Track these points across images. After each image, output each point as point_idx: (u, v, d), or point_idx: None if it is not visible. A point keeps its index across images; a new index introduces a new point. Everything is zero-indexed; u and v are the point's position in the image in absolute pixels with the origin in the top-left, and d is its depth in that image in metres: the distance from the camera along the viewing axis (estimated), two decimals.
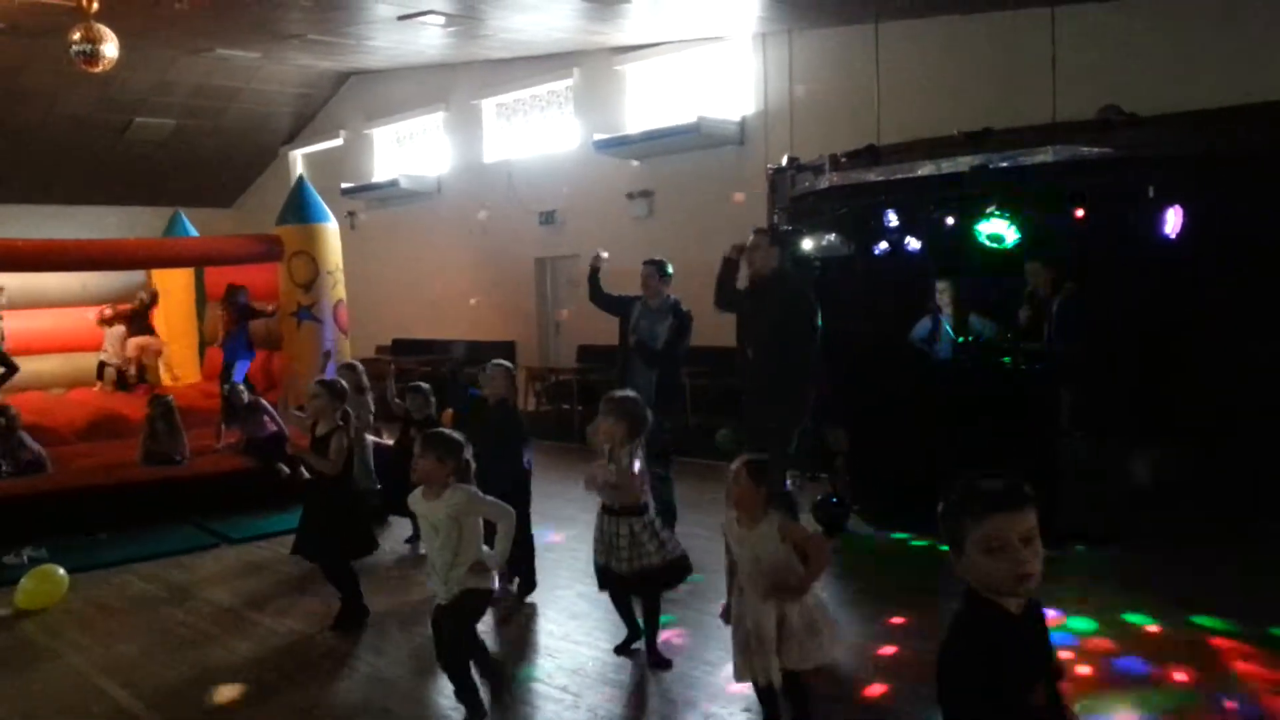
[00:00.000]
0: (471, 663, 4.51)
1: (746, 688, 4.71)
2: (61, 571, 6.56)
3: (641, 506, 4.89)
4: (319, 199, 10.97)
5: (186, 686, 5.09)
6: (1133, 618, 5.48)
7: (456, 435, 4.50)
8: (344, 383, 6.26)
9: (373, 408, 8.26)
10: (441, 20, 11.97)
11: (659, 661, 5.02)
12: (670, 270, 7.26)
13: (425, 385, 7.35)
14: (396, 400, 7.68)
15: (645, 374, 7.07)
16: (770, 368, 6.70)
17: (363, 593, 5.94)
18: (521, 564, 6.15)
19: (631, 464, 4.84)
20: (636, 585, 4.99)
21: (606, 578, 5.04)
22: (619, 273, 7.80)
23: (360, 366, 8.58)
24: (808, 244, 8.30)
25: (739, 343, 7.15)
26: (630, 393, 5.09)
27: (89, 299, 12.22)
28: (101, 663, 5.45)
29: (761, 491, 3.99)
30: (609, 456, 4.86)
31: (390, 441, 8.16)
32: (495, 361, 6.53)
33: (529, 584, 6.27)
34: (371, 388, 8.24)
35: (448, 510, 4.30)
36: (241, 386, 9.45)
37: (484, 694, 4.53)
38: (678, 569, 4.99)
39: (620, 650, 5.20)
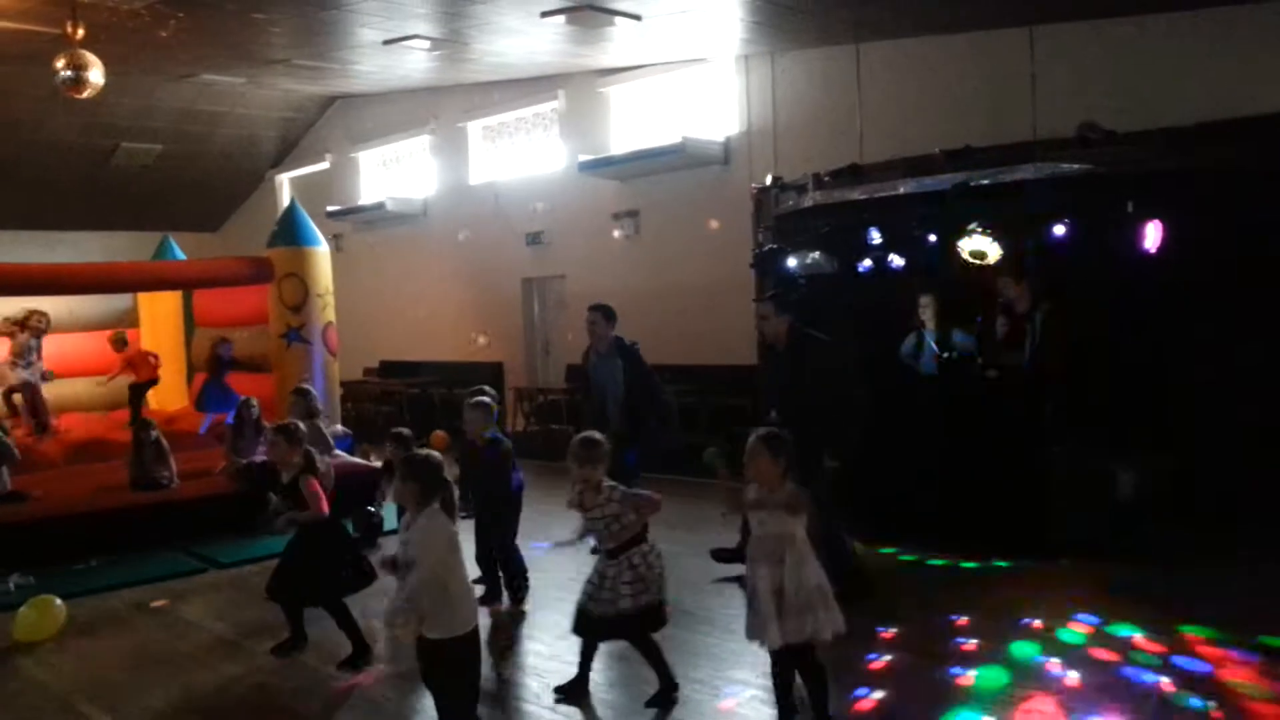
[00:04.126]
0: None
1: (735, 704, 4.75)
2: (59, 603, 6.49)
3: (637, 539, 4.83)
4: (310, 222, 11.01)
5: (173, 712, 5.07)
6: (1120, 628, 5.51)
7: (431, 455, 4.23)
8: (301, 426, 6.04)
9: (326, 432, 8.24)
10: (427, 44, 12.02)
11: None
12: (614, 314, 7.41)
13: (407, 432, 7.20)
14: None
15: (618, 406, 7.27)
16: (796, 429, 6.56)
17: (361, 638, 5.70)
18: (513, 578, 6.43)
19: (609, 500, 4.76)
20: (615, 629, 4.84)
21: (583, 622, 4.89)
22: (607, 293, 7.88)
23: (313, 392, 8.60)
24: (792, 262, 8.37)
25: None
26: (591, 434, 4.96)
27: (76, 325, 12.18)
28: (86, 688, 5.42)
29: (780, 462, 4.25)
30: (582, 503, 4.81)
31: (379, 464, 8.15)
32: (471, 401, 6.50)
33: (514, 596, 6.48)
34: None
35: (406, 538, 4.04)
36: (255, 403, 9.32)
37: None
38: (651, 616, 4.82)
39: (562, 691, 5.00)
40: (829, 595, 4.21)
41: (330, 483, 7.46)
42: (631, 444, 7.13)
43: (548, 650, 5.67)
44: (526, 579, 6.61)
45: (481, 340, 8.56)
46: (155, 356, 11.90)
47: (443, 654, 3.94)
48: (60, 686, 5.48)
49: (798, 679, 4.37)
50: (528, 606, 6.47)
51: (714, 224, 11.91)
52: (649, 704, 4.79)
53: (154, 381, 11.84)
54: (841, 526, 6.44)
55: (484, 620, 5.60)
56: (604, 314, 7.36)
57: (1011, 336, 7.71)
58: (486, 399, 6.56)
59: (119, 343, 11.79)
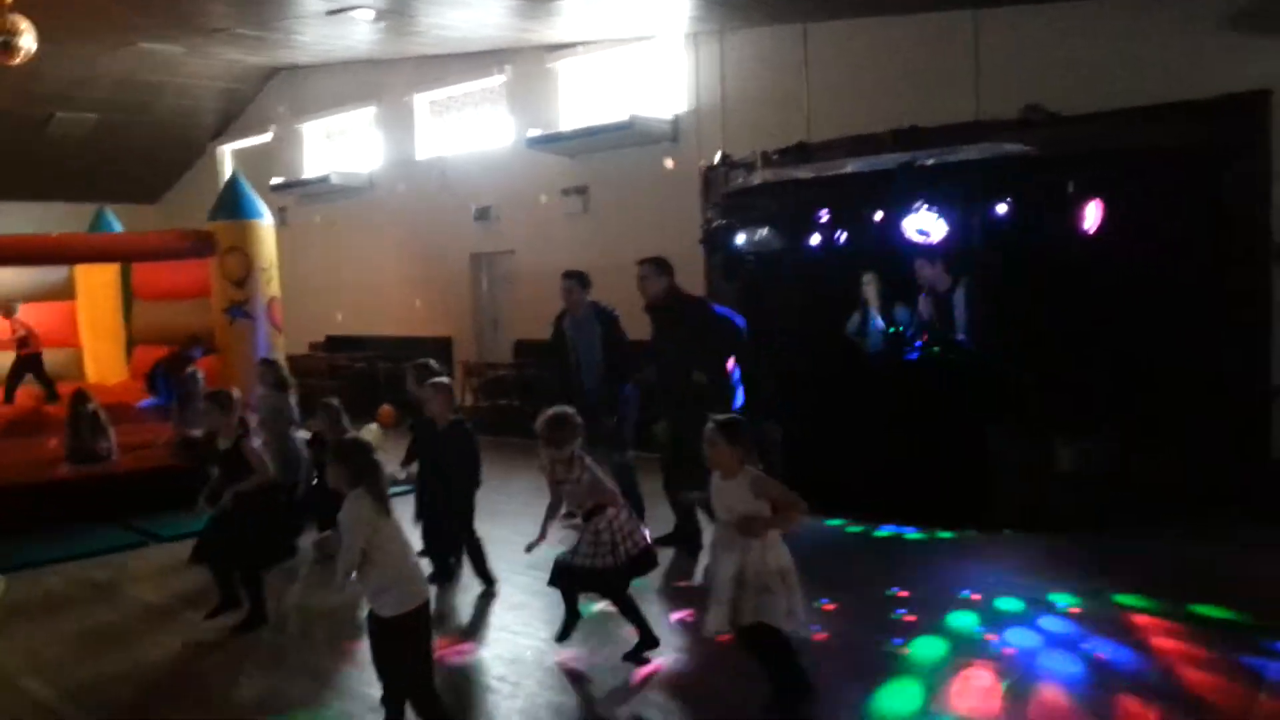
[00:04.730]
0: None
1: (684, 671, 4.81)
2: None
3: (599, 508, 4.92)
4: (253, 195, 10.81)
5: (113, 684, 5.02)
6: (1058, 598, 5.66)
7: (361, 439, 4.29)
8: (234, 393, 5.90)
9: (294, 403, 8.11)
10: (371, 15, 11.85)
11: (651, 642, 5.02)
12: (589, 280, 7.40)
13: (335, 401, 7.10)
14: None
15: (596, 374, 7.26)
16: (681, 386, 6.70)
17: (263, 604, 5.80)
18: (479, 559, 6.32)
19: (581, 475, 4.89)
20: (588, 581, 5.00)
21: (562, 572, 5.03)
22: (556, 269, 7.83)
23: (278, 362, 8.45)
24: (740, 239, 8.42)
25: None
26: (560, 412, 5.00)
27: (9, 295, 11.88)
28: (25, 662, 5.35)
29: (735, 450, 4.18)
30: (553, 472, 4.94)
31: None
32: (432, 381, 6.37)
33: (447, 573, 6.39)
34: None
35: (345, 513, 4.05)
36: (201, 375, 9.14)
37: None
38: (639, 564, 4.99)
39: (561, 638, 5.14)
40: (792, 582, 4.14)
41: (299, 458, 7.45)
42: (612, 412, 7.17)
43: (497, 621, 5.70)
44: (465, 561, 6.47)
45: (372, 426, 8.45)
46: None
47: (389, 631, 3.96)
48: (0, 662, 5.39)
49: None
50: (471, 588, 6.34)
51: (669, 162, 11.97)
52: (626, 658, 4.95)
53: (37, 356, 11.57)
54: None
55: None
56: (579, 281, 7.36)
57: (937, 315, 7.84)
58: (448, 380, 6.53)
59: (6, 311, 11.52)
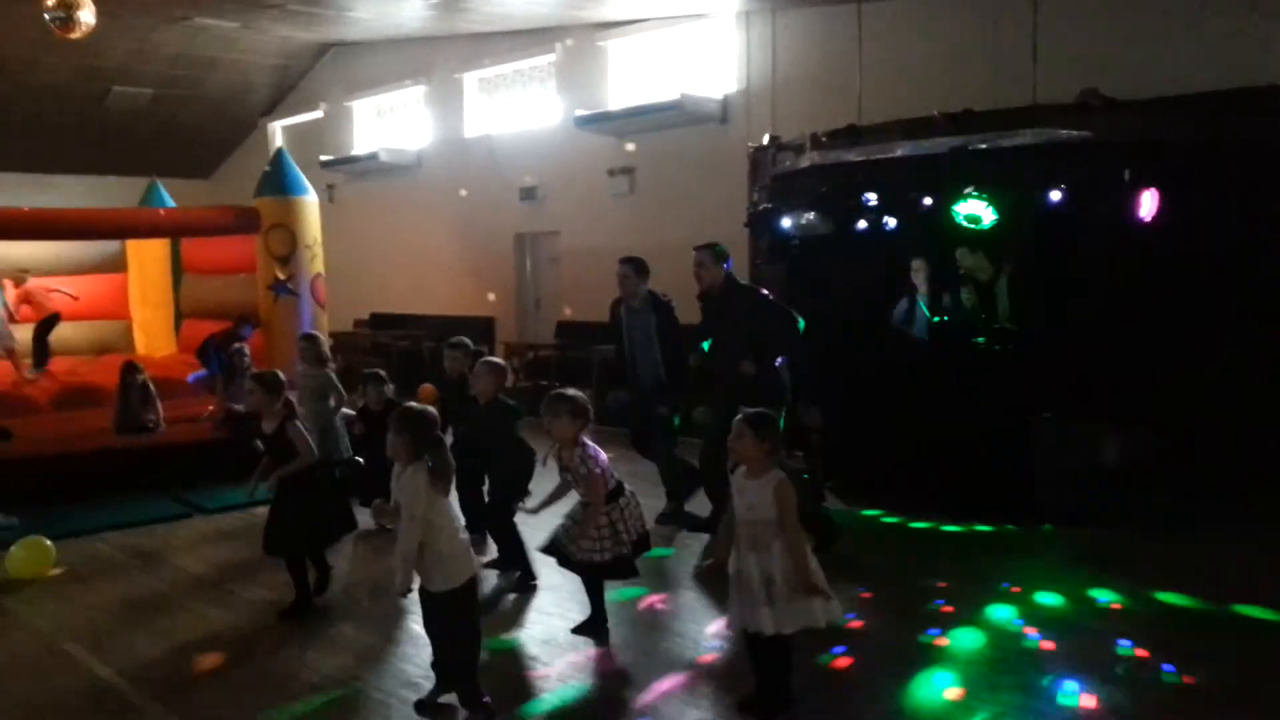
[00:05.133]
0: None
1: (713, 657, 4.78)
2: (49, 543, 6.51)
3: (613, 493, 4.90)
4: (298, 171, 10.87)
5: (157, 653, 5.09)
6: (1099, 593, 5.55)
7: (427, 409, 4.29)
8: (280, 375, 5.88)
9: (335, 379, 8.15)
10: None
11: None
12: (647, 267, 7.24)
13: (382, 373, 7.12)
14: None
15: (650, 362, 7.16)
16: (731, 376, 6.56)
17: (329, 570, 5.88)
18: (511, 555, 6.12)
19: (584, 461, 4.81)
20: (583, 571, 5.01)
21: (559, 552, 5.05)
22: (602, 250, 7.81)
23: (320, 337, 8.46)
24: (787, 222, 8.32)
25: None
26: (562, 390, 4.99)
27: (62, 269, 12.09)
28: (71, 630, 5.43)
29: (763, 445, 4.04)
30: (559, 457, 4.90)
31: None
32: (486, 359, 6.36)
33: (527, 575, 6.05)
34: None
35: (397, 489, 4.12)
36: (247, 351, 9.23)
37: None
38: (622, 567, 4.98)
39: (580, 630, 5.11)
40: (819, 581, 4.02)
41: (337, 428, 7.50)
42: (668, 403, 7.10)
43: (531, 602, 5.70)
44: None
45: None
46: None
47: (439, 605, 4.06)
48: (46, 627, 5.50)
49: None
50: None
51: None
52: (576, 630, 5.05)
53: (46, 321, 11.52)
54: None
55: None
56: (635, 268, 7.16)
57: (980, 305, 7.70)
58: (501, 361, 6.52)
59: (17, 281, 11.52)
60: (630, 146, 13.24)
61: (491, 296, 15.64)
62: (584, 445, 4.85)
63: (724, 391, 6.64)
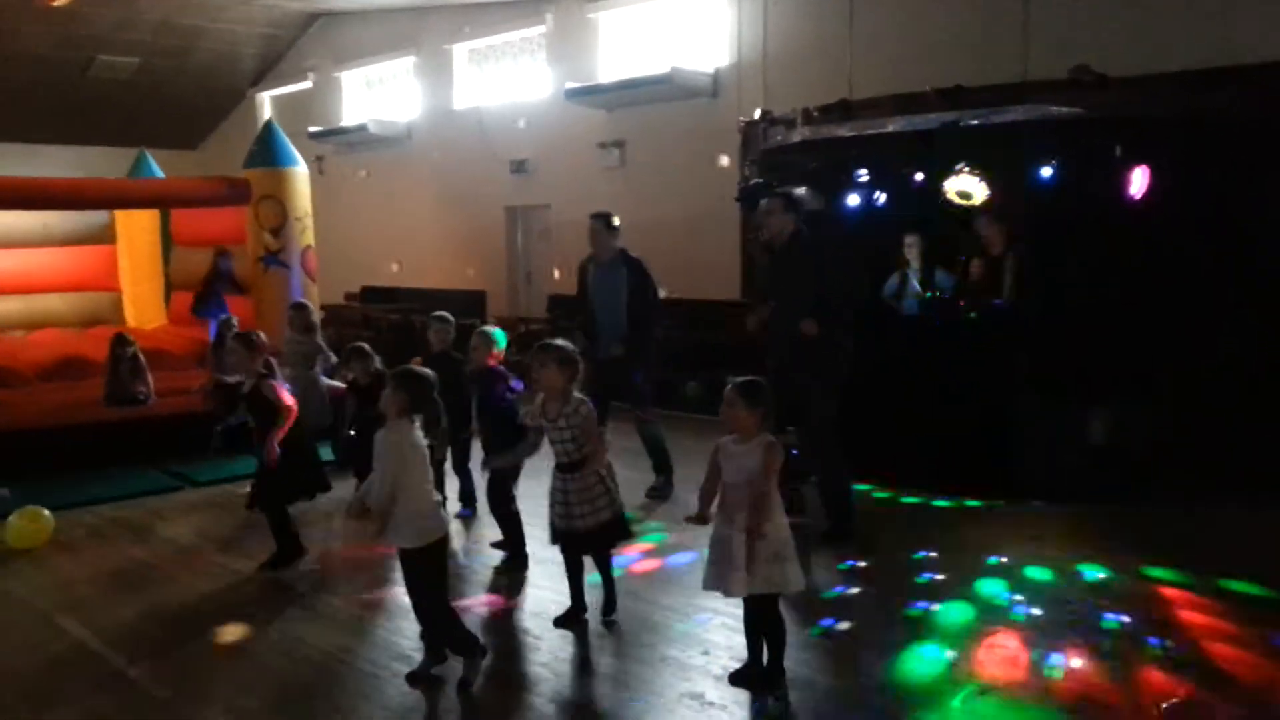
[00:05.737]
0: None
1: (705, 630, 4.82)
2: (47, 513, 6.52)
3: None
4: (288, 142, 10.80)
5: (146, 625, 5.10)
6: (1087, 568, 5.60)
7: (427, 372, 4.38)
8: (261, 335, 5.90)
9: (324, 346, 8.22)
10: None
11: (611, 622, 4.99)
12: (616, 223, 7.17)
13: (367, 347, 7.12)
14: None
15: (613, 323, 7.07)
16: (790, 334, 6.08)
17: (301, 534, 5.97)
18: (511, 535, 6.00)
19: (577, 409, 4.67)
20: (594, 541, 4.87)
21: (563, 537, 4.87)
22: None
23: (309, 305, 8.58)
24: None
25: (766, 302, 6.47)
26: (558, 340, 4.85)
27: (51, 240, 12.00)
28: (61, 601, 5.45)
29: (754, 412, 4.03)
30: (545, 408, 4.73)
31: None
32: (481, 330, 6.22)
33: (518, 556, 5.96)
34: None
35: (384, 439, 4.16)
36: (235, 321, 9.21)
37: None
38: (625, 524, 4.95)
39: (561, 623, 4.96)
40: (793, 548, 4.06)
41: (319, 392, 7.55)
42: (635, 361, 7.01)
43: (521, 575, 5.73)
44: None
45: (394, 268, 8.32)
46: None
47: (410, 561, 4.21)
48: (37, 599, 5.50)
49: None
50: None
51: (723, 160, 11.70)
52: (605, 621, 4.97)
53: None
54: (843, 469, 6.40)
55: None
56: (604, 222, 7.09)
57: (985, 278, 7.71)
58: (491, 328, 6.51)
59: None
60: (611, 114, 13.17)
61: (471, 271, 15.59)
62: (579, 400, 4.69)
63: (780, 354, 6.20)
